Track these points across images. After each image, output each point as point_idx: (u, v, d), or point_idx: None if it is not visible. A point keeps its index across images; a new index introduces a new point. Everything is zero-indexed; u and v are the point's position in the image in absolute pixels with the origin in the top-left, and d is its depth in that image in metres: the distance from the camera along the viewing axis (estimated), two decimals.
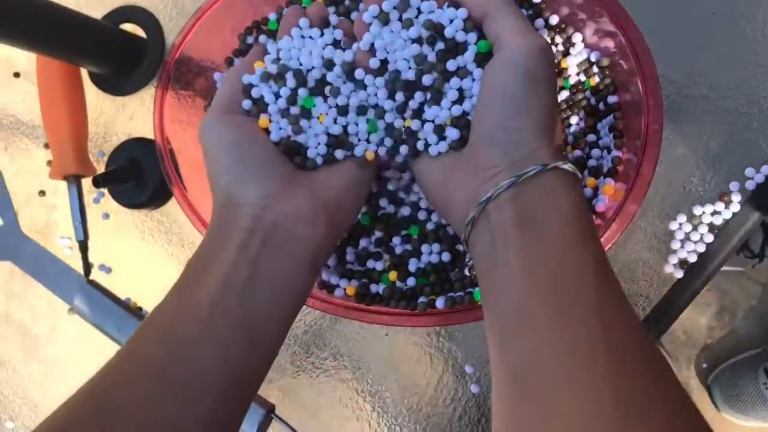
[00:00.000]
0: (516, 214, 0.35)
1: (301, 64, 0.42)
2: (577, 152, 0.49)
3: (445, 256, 0.48)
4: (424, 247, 0.48)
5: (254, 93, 0.42)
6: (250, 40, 0.56)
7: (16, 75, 0.73)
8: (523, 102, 0.36)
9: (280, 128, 0.42)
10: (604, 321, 0.30)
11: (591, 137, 0.49)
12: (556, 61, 0.50)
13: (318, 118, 0.42)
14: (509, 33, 0.37)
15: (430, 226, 0.49)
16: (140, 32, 0.69)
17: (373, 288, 0.50)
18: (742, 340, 1.23)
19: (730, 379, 1.18)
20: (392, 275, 0.48)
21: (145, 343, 0.35)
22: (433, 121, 0.40)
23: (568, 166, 0.36)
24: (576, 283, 0.32)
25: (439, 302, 0.48)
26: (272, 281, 0.38)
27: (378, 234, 0.50)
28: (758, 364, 1.16)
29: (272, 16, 0.55)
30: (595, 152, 0.48)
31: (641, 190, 0.44)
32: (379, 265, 0.49)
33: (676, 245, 0.54)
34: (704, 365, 1.24)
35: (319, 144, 0.42)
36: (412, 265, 0.48)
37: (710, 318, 1.24)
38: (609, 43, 0.48)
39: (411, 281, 0.48)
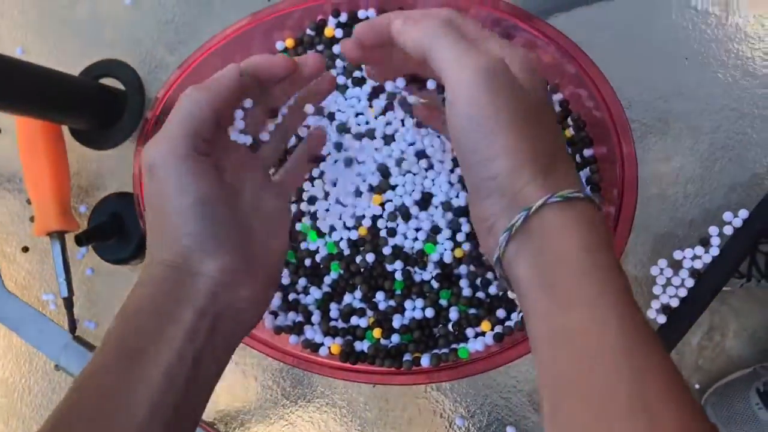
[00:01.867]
0: (527, 272, 0.32)
1: None
2: None
3: (429, 312, 0.48)
4: (407, 303, 0.48)
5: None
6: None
7: None
8: (484, 150, 0.32)
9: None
10: (647, 418, 0.27)
11: None
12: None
13: None
14: (446, 72, 0.32)
15: (415, 278, 0.49)
16: (119, 85, 0.69)
17: (358, 346, 0.50)
18: (734, 361, 1.23)
19: (722, 399, 1.18)
20: (376, 332, 0.48)
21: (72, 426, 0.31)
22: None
23: (558, 197, 0.31)
24: (601, 367, 0.28)
25: (425, 359, 0.48)
26: (210, 375, 0.35)
27: (360, 290, 0.50)
28: (750, 385, 1.15)
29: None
30: None
31: (620, 244, 0.45)
32: (363, 322, 0.49)
33: (657, 290, 0.55)
34: (696, 386, 1.24)
35: None
36: (396, 322, 0.48)
37: (700, 338, 1.24)
38: (583, 95, 0.48)
39: (395, 338, 0.48)
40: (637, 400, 0.27)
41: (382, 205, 0.49)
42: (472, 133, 0.32)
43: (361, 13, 0.53)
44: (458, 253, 0.47)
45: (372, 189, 0.49)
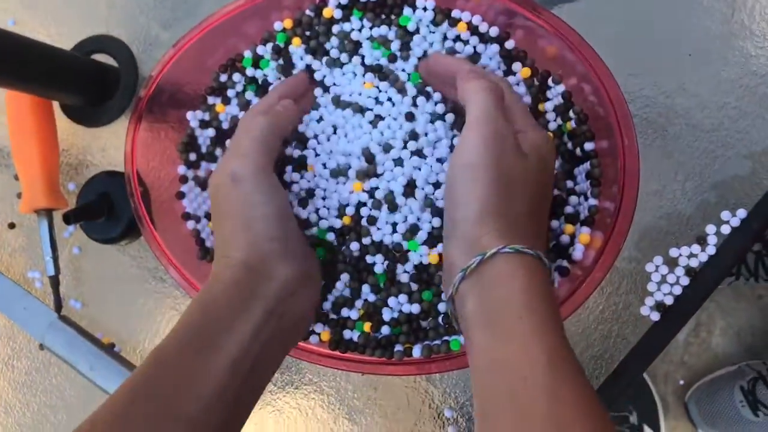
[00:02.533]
0: (475, 309, 0.36)
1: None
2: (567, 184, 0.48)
3: (414, 308, 0.47)
4: (391, 300, 0.47)
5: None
6: (223, 77, 0.55)
7: None
8: (464, 195, 0.38)
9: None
10: (555, 425, 0.31)
11: (568, 183, 0.48)
12: (528, 105, 0.50)
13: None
14: (466, 127, 0.40)
15: (400, 275, 0.48)
16: (112, 62, 0.68)
17: (348, 334, 0.49)
18: (718, 357, 1.24)
19: (706, 396, 1.19)
20: (366, 326, 0.48)
21: (144, 416, 0.35)
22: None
23: (510, 249, 0.36)
24: (527, 389, 0.32)
25: (416, 350, 0.47)
26: (264, 373, 0.40)
27: (345, 278, 0.48)
28: (735, 382, 1.17)
29: (247, 53, 0.55)
30: (572, 199, 0.47)
31: (619, 240, 0.44)
32: (353, 314, 0.49)
33: (652, 287, 0.54)
34: (681, 382, 1.25)
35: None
36: (386, 314, 0.48)
37: (687, 334, 1.25)
38: (585, 89, 0.48)
39: (385, 330, 0.48)
40: (552, 421, 0.31)
41: (372, 193, 0.47)
42: (461, 177, 0.38)
43: None
44: (433, 259, 0.46)
45: (357, 174, 0.47)
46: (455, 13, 0.50)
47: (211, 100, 0.55)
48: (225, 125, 0.54)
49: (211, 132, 0.54)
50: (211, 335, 0.37)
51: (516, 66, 0.49)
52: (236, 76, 0.54)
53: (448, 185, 0.40)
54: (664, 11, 0.55)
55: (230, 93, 0.54)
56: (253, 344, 0.37)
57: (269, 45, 0.53)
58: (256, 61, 0.53)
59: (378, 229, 0.47)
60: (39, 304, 0.67)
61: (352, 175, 0.47)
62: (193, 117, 0.55)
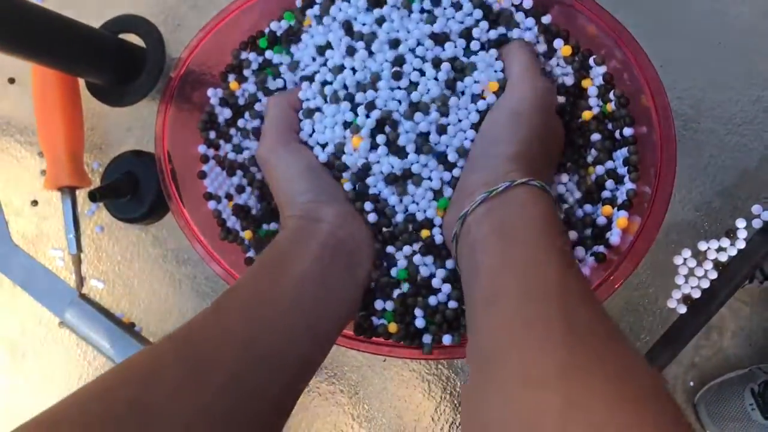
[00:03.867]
0: (492, 225, 0.39)
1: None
2: (600, 169, 0.49)
3: (452, 304, 0.46)
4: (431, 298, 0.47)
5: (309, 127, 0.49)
6: (244, 55, 0.55)
7: (11, 81, 0.72)
8: (502, 134, 0.43)
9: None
10: (561, 301, 0.32)
11: (609, 164, 0.48)
12: (572, 82, 0.49)
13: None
14: (510, 79, 0.46)
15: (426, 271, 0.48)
16: (140, 42, 0.68)
17: (375, 320, 0.49)
18: (729, 360, 1.23)
19: (716, 398, 1.18)
20: (392, 327, 0.47)
21: (229, 323, 0.38)
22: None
23: (537, 183, 0.39)
24: (539, 274, 0.34)
25: (446, 339, 0.47)
26: (336, 290, 0.43)
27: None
28: (745, 385, 1.16)
29: (273, 25, 0.54)
30: (609, 183, 0.47)
31: (653, 227, 0.44)
32: (389, 305, 0.48)
33: (680, 280, 0.54)
34: (691, 383, 1.24)
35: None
36: (419, 312, 0.47)
37: (698, 336, 1.24)
38: (624, 74, 0.47)
39: (419, 323, 0.47)
40: (561, 301, 0.32)
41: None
42: (502, 119, 0.44)
43: None
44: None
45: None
46: None
47: (231, 78, 0.55)
48: (241, 101, 0.54)
49: (227, 112, 0.54)
50: (280, 261, 0.42)
51: (557, 43, 0.49)
52: (252, 56, 0.54)
53: (491, 123, 0.44)
54: (698, 2, 0.55)
55: (246, 72, 0.54)
56: (315, 264, 0.42)
57: (283, 22, 0.53)
58: (272, 42, 0.54)
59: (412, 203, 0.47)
60: (60, 281, 0.67)
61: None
62: (213, 94, 0.55)
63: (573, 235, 0.47)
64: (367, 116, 0.46)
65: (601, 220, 0.46)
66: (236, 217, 0.55)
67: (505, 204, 0.39)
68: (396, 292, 0.48)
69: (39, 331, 0.70)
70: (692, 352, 1.24)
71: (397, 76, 0.46)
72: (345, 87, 0.48)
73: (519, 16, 0.49)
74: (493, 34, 0.48)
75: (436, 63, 0.47)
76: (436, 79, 0.46)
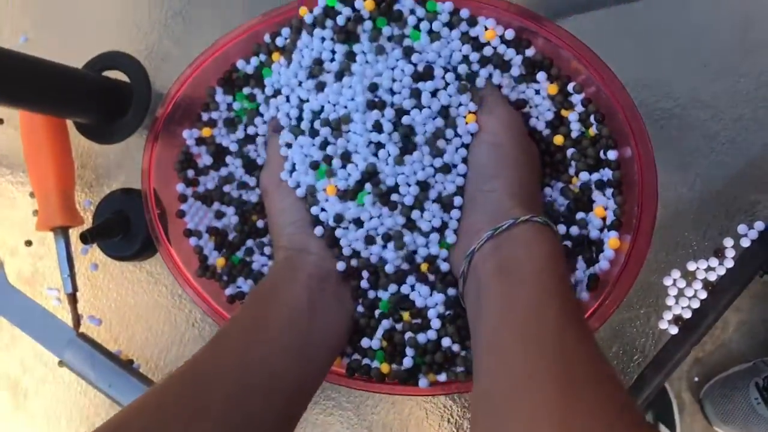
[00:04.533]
0: (497, 264, 0.40)
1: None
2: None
3: (446, 341, 0.46)
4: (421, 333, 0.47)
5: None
6: (218, 96, 0.55)
7: (0, 122, 0.72)
8: (492, 168, 0.44)
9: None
10: (560, 349, 0.34)
11: (595, 194, 0.48)
12: (553, 110, 0.49)
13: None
14: (480, 113, 0.47)
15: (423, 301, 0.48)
16: (124, 78, 0.68)
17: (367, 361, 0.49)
18: (733, 354, 1.24)
19: (721, 393, 1.19)
20: (384, 368, 0.47)
21: (224, 365, 0.40)
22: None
23: (540, 219, 0.41)
24: (539, 320, 0.36)
25: (441, 377, 0.47)
26: (325, 320, 0.45)
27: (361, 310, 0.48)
28: (749, 379, 1.16)
29: (240, 64, 0.54)
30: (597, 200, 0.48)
31: (642, 251, 0.44)
32: (375, 343, 0.48)
33: (670, 301, 0.54)
34: (696, 379, 1.24)
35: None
36: (409, 351, 0.47)
37: None
38: (600, 100, 0.47)
39: (407, 362, 0.47)
40: (558, 342, 0.34)
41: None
42: (486, 154, 0.45)
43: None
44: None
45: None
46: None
47: (204, 116, 0.55)
48: (219, 139, 0.55)
49: (204, 149, 0.55)
50: (269, 297, 0.45)
51: (541, 76, 0.49)
52: (220, 98, 0.55)
53: (477, 163, 0.45)
54: (679, 23, 0.55)
55: (214, 115, 0.55)
56: (304, 297, 0.44)
57: (253, 60, 0.54)
58: (244, 82, 0.54)
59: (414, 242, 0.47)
60: (57, 321, 0.67)
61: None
62: (189, 135, 0.55)
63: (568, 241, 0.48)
64: (343, 166, 0.46)
65: (594, 234, 0.47)
66: (217, 252, 0.55)
67: (510, 241, 0.41)
68: (381, 330, 0.48)
69: (40, 369, 0.70)
70: (696, 347, 1.25)
71: (374, 107, 0.46)
72: (311, 122, 0.48)
73: (501, 49, 0.49)
74: (483, 72, 0.48)
75: (416, 95, 0.46)
76: (420, 109, 0.46)
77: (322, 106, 0.48)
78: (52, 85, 0.60)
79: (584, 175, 0.48)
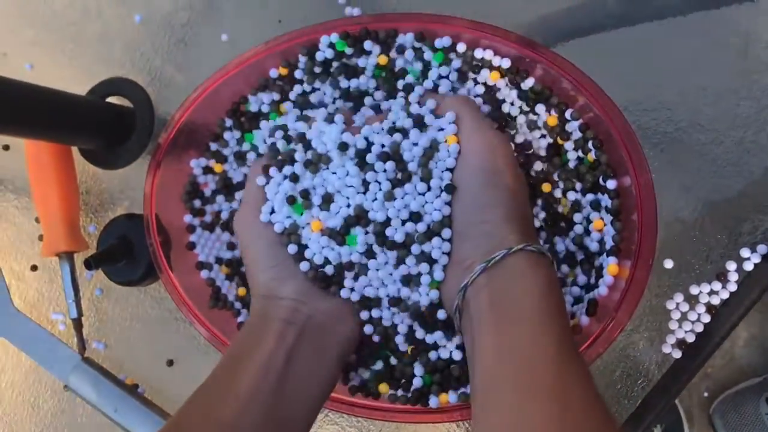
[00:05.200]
0: (490, 298, 0.38)
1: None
2: (578, 228, 0.49)
3: (457, 355, 0.47)
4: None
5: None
6: (228, 123, 0.55)
7: (5, 147, 0.73)
8: (484, 197, 0.41)
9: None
10: (560, 402, 0.33)
11: (593, 215, 0.48)
12: (549, 139, 0.50)
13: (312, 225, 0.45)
14: (465, 134, 0.44)
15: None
16: (128, 104, 0.68)
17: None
18: (743, 369, 1.23)
19: (732, 408, 1.18)
20: (383, 387, 0.47)
21: (189, 425, 0.39)
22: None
23: (534, 247, 0.39)
24: (536, 366, 0.35)
25: (452, 397, 0.47)
26: (305, 372, 0.42)
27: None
28: (760, 394, 1.15)
29: (251, 99, 0.55)
30: (595, 235, 0.48)
31: (643, 277, 0.44)
32: (378, 364, 0.48)
33: (673, 325, 0.54)
34: (705, 394, 1.24)
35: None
36: (418, 369, 0.47)
37: None
38: (600, 129, 0.47)
39: (417, 382, 0.47)
40: (559, 393, 0.33)
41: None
42: (478, 181, 0.42)
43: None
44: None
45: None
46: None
47: (213, 146, 0.56)
48: (231, 174, 0.56)
49: (211, 179, 0.55)
50: (242, 353, 0.42)
51: (539, 108, 0.49)
52: (229, 135, 0.55)
53: (465, 186, 0.42)
54: (678, 45, 0.55)
55: (225, 151, 0.55)
56: (278, 349, 0.41)
57: (261, 95, 0.54)
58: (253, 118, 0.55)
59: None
60: (63, 346, 0.67)
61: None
62: (196, 165, 0.55)
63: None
64: (325, 203, 0.46)
65: (594, 247, 0.47)
66: (229, 281, 0.56)
67: (504, 273, 0.39)
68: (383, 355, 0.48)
69: (44, 393, 0.70)
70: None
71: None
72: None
73: (501, 83, 0.49)
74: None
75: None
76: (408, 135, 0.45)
77: (309, 140, 0.47)
78: (56, 114, 0.61)
79: (572, 195, 0.49)
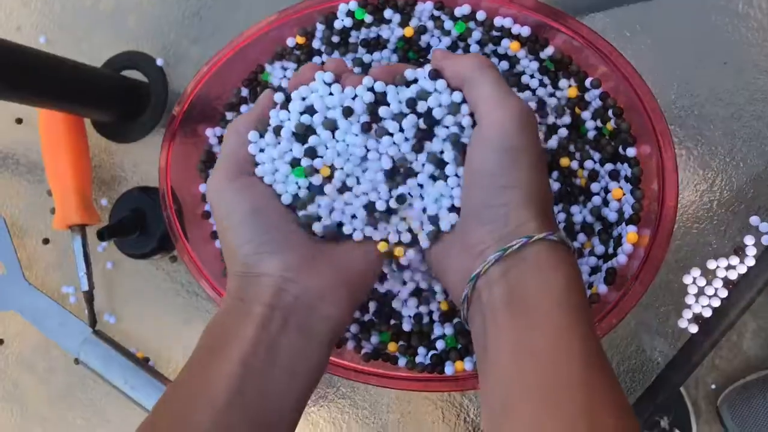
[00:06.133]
0: (505, 293, 0.34)
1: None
2: (596, 199, 0.48)
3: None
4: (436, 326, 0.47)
5: (264, 157, 0.40)
6: (245, 92, 0.55)
7: (18, 121, 0.73)
8: (504, 178, 0.36)
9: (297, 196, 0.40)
10: (589, 420, 0.30)
11: (612, 184, 0.48)
12: (568, 110, 0.49)
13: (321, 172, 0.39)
14: (485, 104, 0.37)
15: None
16: (143, 78, 0.68)
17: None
18: (751, 361, 1.22)
19: (739, 400, 1.17)
20: (392, 346, 0.47)
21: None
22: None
23: (556, 237, 0.35)
24: (561, 378, 0.31)
25: (468, 365, 0.46)
26: (290, 364, 0.36)
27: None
28: None
29: (268, 68, 0.55)
30: (614, 204, 0.47)
31: (662, 248, 0.44)
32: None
33: (690, 300, 0.54)
34: (712, 386, 1.22)
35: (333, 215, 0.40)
36: (448, 329, 0.47)
37: None
38: (620, 96, 0.47)
39: (440, 345, 0.47)
40: (586, 410, 0.30)
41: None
42: (498, 161, 0.36)
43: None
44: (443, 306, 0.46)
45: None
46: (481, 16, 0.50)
47: (229, 116, 0.55)
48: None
49: None
50: (218, 345, 0.36)
51: (563, 83, 0.49)
52: (244, 106, 0.55)
53: (482, 163, 0.37)
54: (698, 20, 0.55)
55: (244, 109, 0.55)
56: (260, 338, 0.35)
57: (277, 63, 0.54)
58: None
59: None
60: (74, 319, 0.67)
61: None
62: (212, 134, 0.55)
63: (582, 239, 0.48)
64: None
65: (612, 216, 0.47)
66: None
67: (521, 265, 0.35)
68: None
69: (54, 367, 0.70)
70: (712, 353, 1.23)
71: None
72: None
73: (521, 54, 0.49)
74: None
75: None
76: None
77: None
78: (72, 83, 0.61)
79: (589, 164, 0.48)
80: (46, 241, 0.71)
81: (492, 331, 0.34)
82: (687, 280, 0.54)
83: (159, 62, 0.67)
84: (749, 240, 0.52)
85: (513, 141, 0.36)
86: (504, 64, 0.50)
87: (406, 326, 0.48)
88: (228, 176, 0.39)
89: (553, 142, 0.49)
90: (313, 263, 0.38)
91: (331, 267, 0.39)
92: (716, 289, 0.53)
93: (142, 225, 0.65)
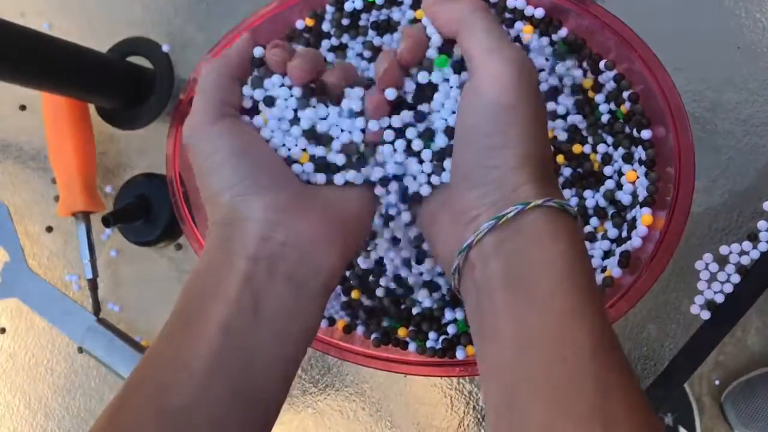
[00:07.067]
0: (501, 269, 0.31)
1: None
2: (609, 183, 0.48)
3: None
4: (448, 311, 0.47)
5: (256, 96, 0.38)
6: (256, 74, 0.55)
7: (22, 108, 0.72)
8: (498, 136, 0.33)
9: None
10: (602, 421, 0.27)
11: (626, 167, 0.47)
12: (579, 95, 0.49)
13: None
14: (478, 55, 0.34)
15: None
16: (148, 64, 0.68)
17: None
18: (755, 357, 1.22)
19: (743, 396, 1.17)
20: (402, 331, 0.47)
21: (133, 415, 0.31)
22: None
23: (555, 203, 0.32)
24: (570, 373, 0.28)
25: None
26: (277, 321, 0.33)
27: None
28: None
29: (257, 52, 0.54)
30: (627, 187, 0.47)
31: (677, 233, 0.44)
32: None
33: (702, 286, 0.53)
34: (716, 382, 1.22)
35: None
36: (459, 313, 0.47)
37: None
38: (636, 79, 0.47)
39: (451, 329, 0.47)
40: (599, 409, 0.27)
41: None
42: (491, 118, 0.33)
43: None
44: None
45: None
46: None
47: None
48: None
49: None
50: (196, 308, 0.33)
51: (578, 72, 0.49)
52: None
53: (474, 119, 0.34)
54: (711, 4, 0.54)
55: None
56: (244, 294, 0.32)
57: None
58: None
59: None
60: (77, 307, 0.67)
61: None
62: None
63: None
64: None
65: (626, 199, 0.47)
66: None
67: (518, 236, 0.32)
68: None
69: (58, 356, 0.70)
70: (717, 350, 1.23)
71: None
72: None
73: (534, 37, 0.49)
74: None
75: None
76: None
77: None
78: (77, 68, 0.60)
79: (602, 148, 0.48)
80: (49, 229, 0.71)
81: (489, 313, 0.32)
82: (699, 265, 0.53)
83: (165, 48, 0.66)
84: (762, 225, 0.52)
85: (509, 96, 0.33)
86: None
87: (416, 310, 0.47)
88: (208, 119, 0.35)
89: (564, 128, 0.48)
90: (302, 203, 0.35)
91: (323, 208, 0.36)
92: (729, 275, 0.52)
93: (147, 212, 0.64)
